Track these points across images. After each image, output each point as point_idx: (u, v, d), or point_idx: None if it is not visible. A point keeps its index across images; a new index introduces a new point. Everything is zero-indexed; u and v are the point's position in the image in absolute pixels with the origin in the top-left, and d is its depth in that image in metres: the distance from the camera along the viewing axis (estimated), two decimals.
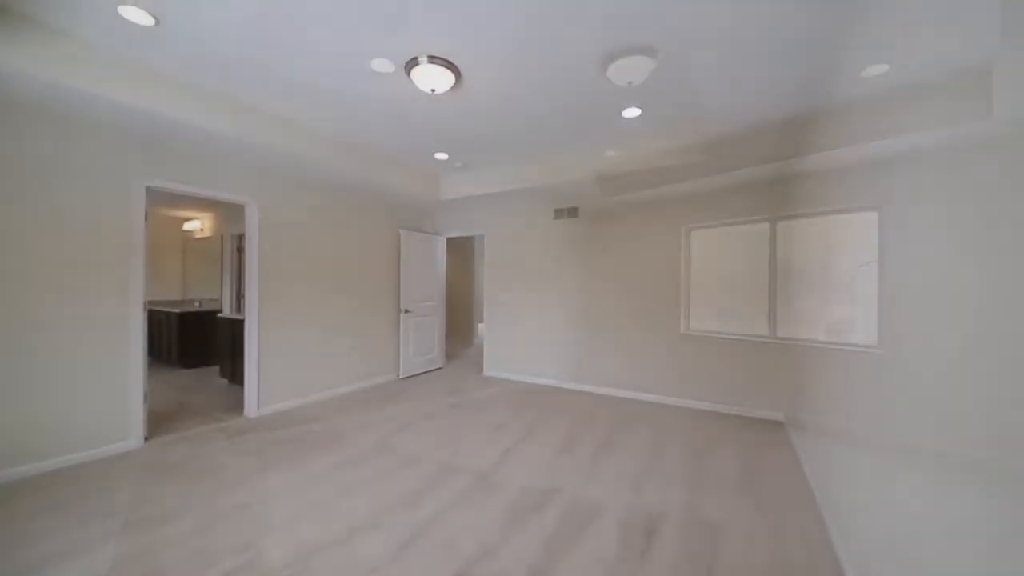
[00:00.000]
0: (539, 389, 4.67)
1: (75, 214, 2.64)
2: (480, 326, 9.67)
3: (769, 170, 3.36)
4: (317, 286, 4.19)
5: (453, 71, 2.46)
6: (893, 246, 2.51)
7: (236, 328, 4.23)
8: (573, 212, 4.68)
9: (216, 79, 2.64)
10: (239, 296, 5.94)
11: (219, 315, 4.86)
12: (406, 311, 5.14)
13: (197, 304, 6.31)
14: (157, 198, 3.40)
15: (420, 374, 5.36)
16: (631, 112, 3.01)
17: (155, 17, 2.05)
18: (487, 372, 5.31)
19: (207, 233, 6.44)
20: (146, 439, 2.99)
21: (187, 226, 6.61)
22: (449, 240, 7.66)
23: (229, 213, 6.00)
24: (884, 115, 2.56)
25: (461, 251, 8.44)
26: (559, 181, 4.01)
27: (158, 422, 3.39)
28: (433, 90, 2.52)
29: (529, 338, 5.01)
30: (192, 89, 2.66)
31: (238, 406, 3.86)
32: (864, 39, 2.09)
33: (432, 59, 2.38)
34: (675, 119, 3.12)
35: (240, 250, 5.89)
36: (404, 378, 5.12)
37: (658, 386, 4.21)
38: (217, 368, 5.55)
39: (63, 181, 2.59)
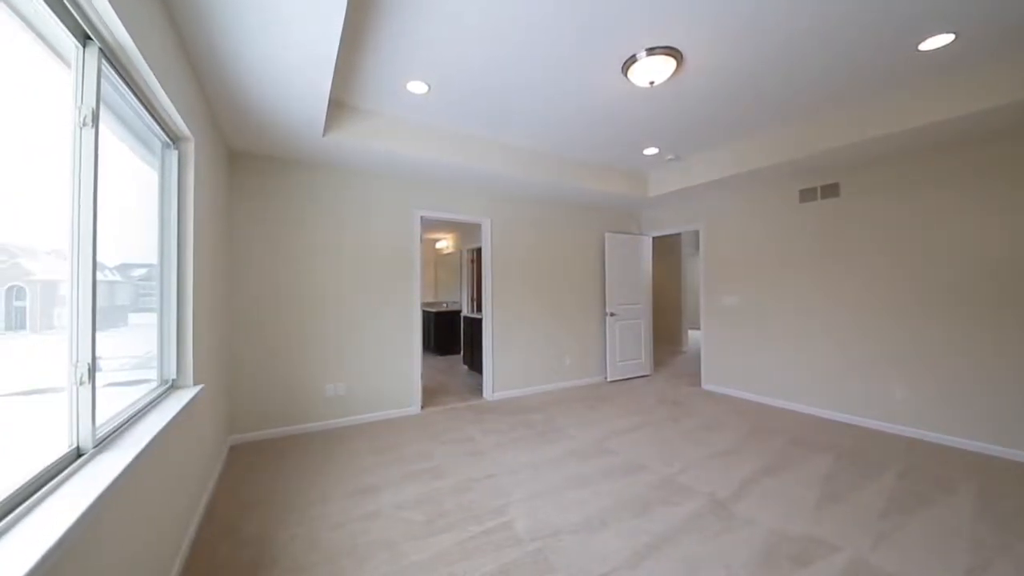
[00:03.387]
0: (779, 413, 3.86)
1: (384, 240, 3.70)
2: (691, 333, 8.80)
3: None
4: (535, 289, 4.63)
5: (675, 56, 2.30)
6: None
7: (474, 325, 5.09)
8: (831, 190, 3.68)
9: (465, 123, 3.23)
10: (472, 299, 7.17)
11: (462, 314, 5.96)
12: (611, 314, 5.12)
13: (445, 305, 7.93)
14: (423, 224, 4.50)
15: (627, 379, 5.23)
16: (936, 40, 2.15)
17: (428, 84, 2.66)
18: (706, 385, 4.74)
19: (450, 249, 8.06)
20: (421, 407, 3.91)
21: (437, 245, 8.44)
22: (655, 240, 7.27)
23: (465, 232, 7.33)
24: None
25: (667, 251, 7.90)
26: (810, 153, 3.21)
27: (427, 396, 4.38)
28: (652, 83, 2.42)
29: (765, 349, 4.21)
30: (448, 135, 3.34)
31: (478, 389, 4.62)
32: None
33: (651, 51, 2.28)
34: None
35: (473, 261, 7.11)
36: (611, 381, 5.10)
37: (986, 430, 2.85)
38: (460, 356, 6.83)
39: (375, 217, 3.66)
